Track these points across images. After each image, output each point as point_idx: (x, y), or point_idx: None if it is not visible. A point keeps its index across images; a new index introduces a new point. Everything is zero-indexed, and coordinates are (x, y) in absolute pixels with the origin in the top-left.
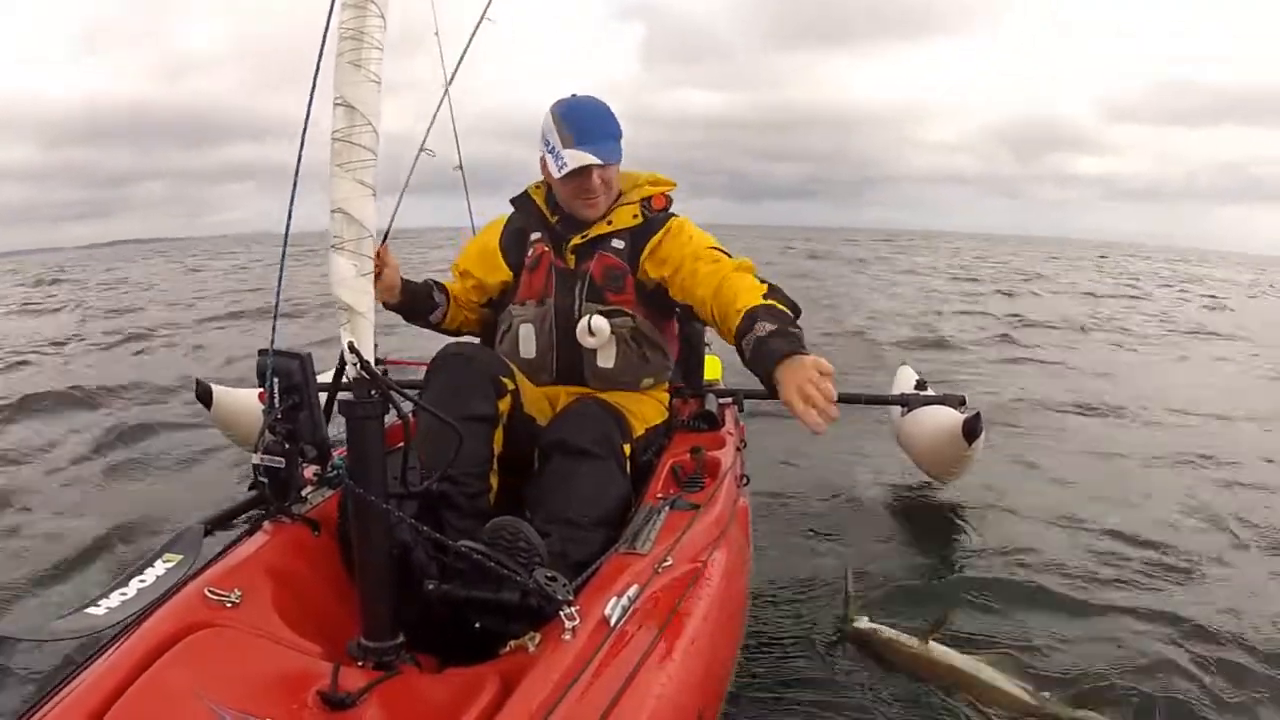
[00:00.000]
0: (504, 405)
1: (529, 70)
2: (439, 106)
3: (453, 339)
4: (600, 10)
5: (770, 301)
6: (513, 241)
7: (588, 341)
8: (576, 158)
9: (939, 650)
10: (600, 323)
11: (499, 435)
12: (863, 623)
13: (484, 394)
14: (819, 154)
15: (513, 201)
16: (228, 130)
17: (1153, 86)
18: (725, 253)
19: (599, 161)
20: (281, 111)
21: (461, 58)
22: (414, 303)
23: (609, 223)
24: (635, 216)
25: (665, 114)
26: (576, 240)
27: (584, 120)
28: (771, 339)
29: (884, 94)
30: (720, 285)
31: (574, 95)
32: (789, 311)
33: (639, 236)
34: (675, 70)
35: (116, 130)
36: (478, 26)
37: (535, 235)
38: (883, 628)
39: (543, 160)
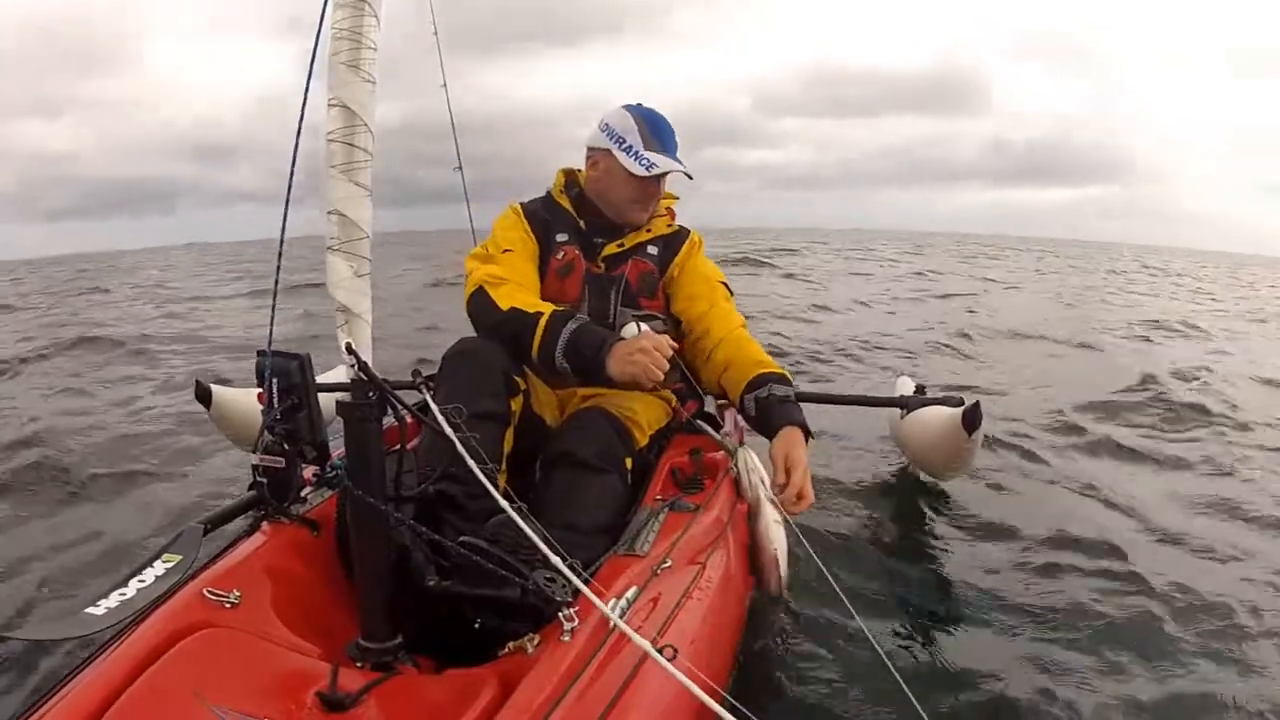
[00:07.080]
0: (516, 404)
1: (196, 85)
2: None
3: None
4: (265, 19)
5: (781, 372)
6: (540, 233)
7: None
8: (666, 163)
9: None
10: (650, 333)
11: (509, 435)
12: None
13: (495, 391)
14: (474, 158)
15: (539, 200)
16: None
17: (808, 79)
18: (729, 288)
19: (685, 171)
20: None
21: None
22: None
23: (648, 230)
24: (669, 225)
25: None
26: (613, 249)
27: (666, 133)
28: (785, 404)
29: (545, 98)
30: (740, 340)
31: (640, 104)
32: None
33: (671, 244)
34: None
35: None
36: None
37: (561, 237)
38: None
39: (595, 159)
